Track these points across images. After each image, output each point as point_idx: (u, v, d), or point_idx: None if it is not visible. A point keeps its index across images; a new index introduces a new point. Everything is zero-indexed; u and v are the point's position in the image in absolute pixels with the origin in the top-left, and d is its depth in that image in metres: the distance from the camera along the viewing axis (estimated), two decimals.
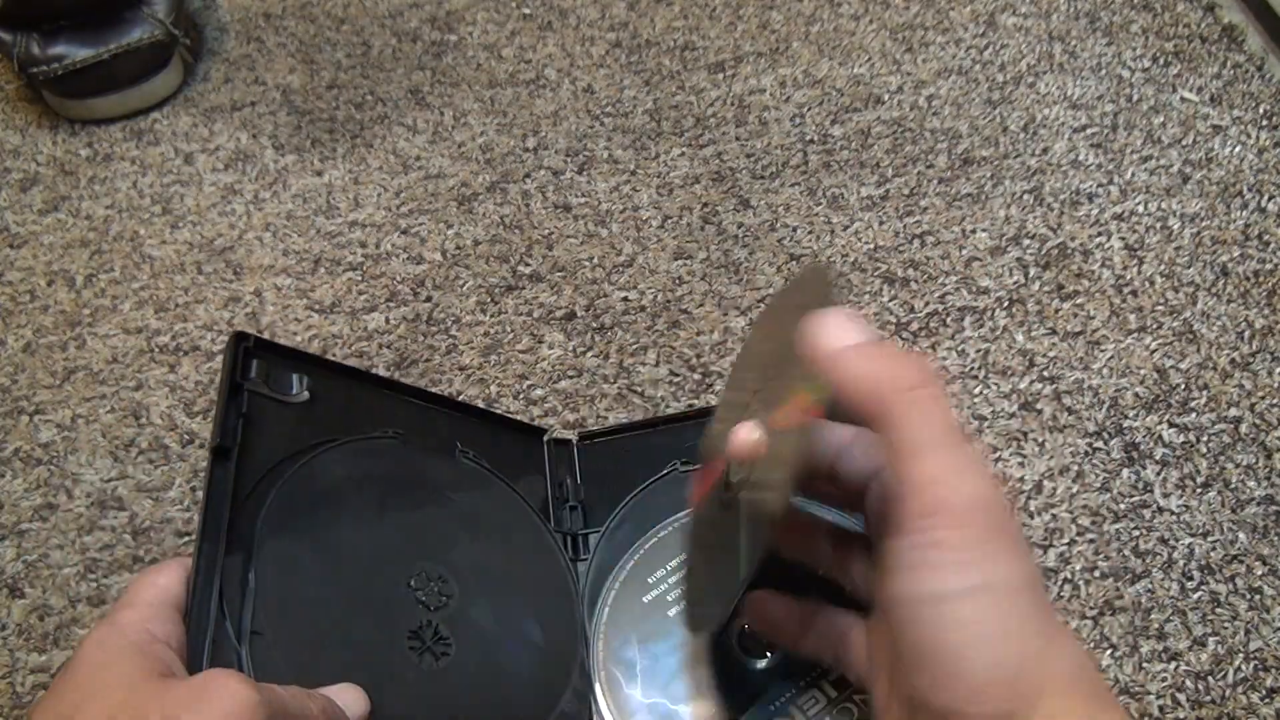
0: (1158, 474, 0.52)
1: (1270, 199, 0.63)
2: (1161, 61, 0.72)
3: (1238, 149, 0.66)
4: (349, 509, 0.40)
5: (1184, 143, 0.67)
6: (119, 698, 0.29)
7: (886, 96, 0.71)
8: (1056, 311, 0.59)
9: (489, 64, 0.76)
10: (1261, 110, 0.68)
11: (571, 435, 0.50)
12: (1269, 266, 0.60)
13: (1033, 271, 0.61)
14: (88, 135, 0.73)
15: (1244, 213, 0.63)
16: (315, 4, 0.81)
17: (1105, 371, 0.56)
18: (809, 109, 0.71)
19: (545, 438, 0.50)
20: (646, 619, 0.43)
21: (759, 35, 0.76)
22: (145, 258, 0.65)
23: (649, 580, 0.44)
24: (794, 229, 0.64)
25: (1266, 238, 0.62)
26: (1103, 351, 0.57)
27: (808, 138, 0.69)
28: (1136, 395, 0.55)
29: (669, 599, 0.43)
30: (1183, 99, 0.69)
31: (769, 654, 0.41)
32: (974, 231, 0.63)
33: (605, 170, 0.68)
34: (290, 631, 0.35)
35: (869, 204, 0.65)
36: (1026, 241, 0.62)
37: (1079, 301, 0.59)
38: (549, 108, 0.72)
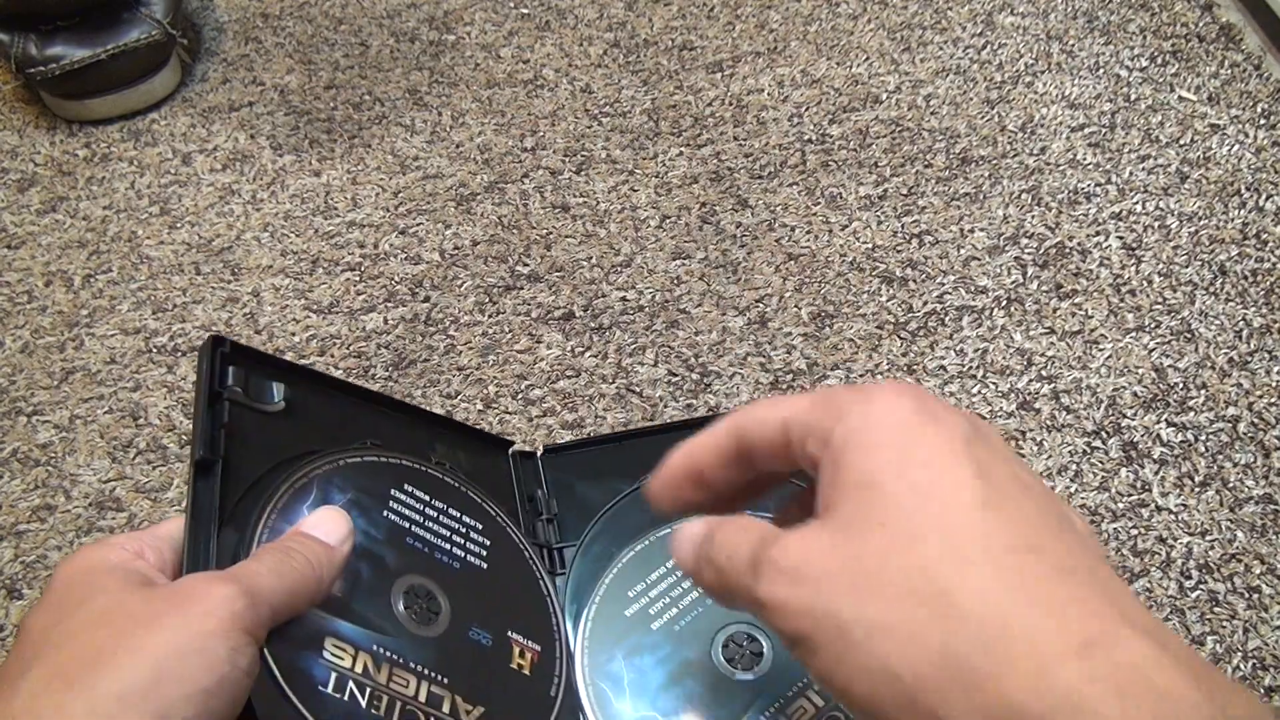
0: (1156, 473, 0.52)
1: (1268, 198, 0.63)
2: (1159, 61, 0.72)
3: (1235, 148, 0.66)
4: None
5: (1182, 142, 0.67)
6: (101, 603, 0.29)
7: (884, 96, 0.71)
8: (1055, 311, 0.59)
9: (487, 64, 0.76)
10: (1259, 109, 0.68)
11: (536, 449, 0.50)
12: (1267, 265, 0.60)
13: (1031, 271, 0.61)
14: (85, 136, 0.73)
15: (1242, 212, 0.63)
16: (313, 4, 0.81)
17: (1103, 371, 0.56)
18: (807, 108, 0.71)
19: (510, 450, 0.49)
20: (630, 633, 0.43)
21: (757, 35, 0.76)
22: (143, 258, 0.65)
23: (629, 594, 0.44)
24: (792, 229, 0.64)
25: (1264, 236, 0.62)
26: (1101, 351, 0.57)
27: (806, 137, 0.69)
28: (1135, 394, 0.55)
29: (651, 612, 0.43)
30: (1180, 98, 0.69)
31: (755, 666, 0.41)
32: (972, 231, 0.63)
33: (603, 170, 0.68)
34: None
35: (867, 203, 0.65)
36: (1025, 241, 0.62)
37: (1077, 301, 0.59)
38: (547, 108, 0.72)
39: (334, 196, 0.68)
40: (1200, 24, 0.74)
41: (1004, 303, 0.59)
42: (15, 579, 0.51)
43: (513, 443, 0.49)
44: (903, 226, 0.64)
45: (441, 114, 0.73)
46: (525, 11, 0.79)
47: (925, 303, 0.60)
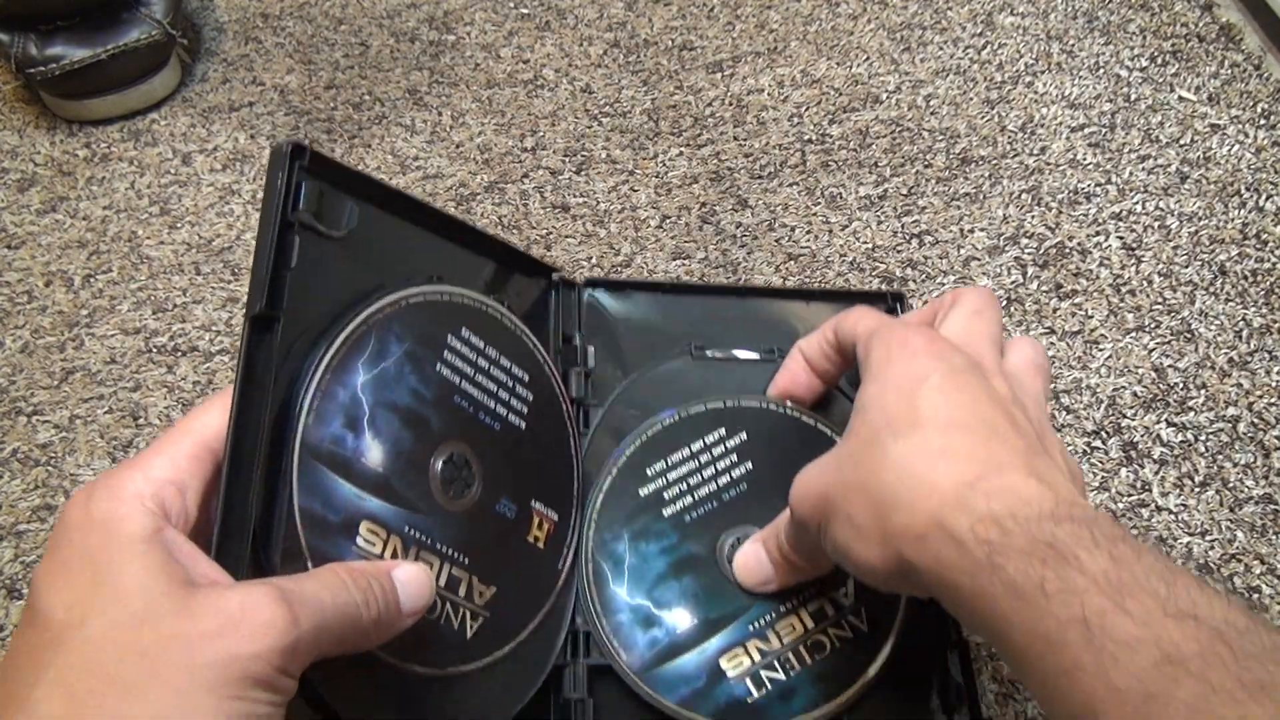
0: (1156, 473, 0.52)
1: (1268, 198, 0.63)
2: (1159, 61, 0.72)
3: (1235, 148, 0.66)
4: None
5: (1182, 142, 0.67)
6: (132, 609, 0.26)
7: (884, 96, 0.71)
8: (1054, 311, 0.59)
9: (487, 64, 0.76)
10: (1259, 109, 0.68)
11: (578, 279, 0.46)
12: (1266, 265, 0.60)
13: (1031, 271, 0.61)
14: (85, 136, 0.73)
15: (1242, 212, 0.63)
16: (313, 4, 0.81)
17: (1103, 371, 0.56)
18: (807, 109, 0.71)
19: (554, 277, 0.45)
20: (640, 515, 0.41)
21: (757, 35, 0.76)
22: (143, 258, 0.65)
23: (648, 472, 0.42)
24: (792, 229, 0.64)
25: (1264, 237, 0.62)
26: (1101, 351, 0.57)
27: (806, 137, 0.69)
28: (1135, 394, 0.55)
29: (665, 496, 0.41)
30: (1180, 98, 0.69)
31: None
32: (972, 231, 0.63)
33: (603, 170, 0.68)
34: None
35: (867, 203, 0.65)
36: (1024, 241, 0.62)
37: (1077, 301, 0.59)
38: (547, 108, 0.72)
39: None
40: (1200, 24, 0.74)
41: (1004, 303, 0.59)
42: (15, 579, 0.51)
43: (557, 269, 0.46)
44: (903, 226, 0.64)
45: (441, 114, 0.73)
46: (525, 11, 0.79)
47: (925, 303, 0.60)
